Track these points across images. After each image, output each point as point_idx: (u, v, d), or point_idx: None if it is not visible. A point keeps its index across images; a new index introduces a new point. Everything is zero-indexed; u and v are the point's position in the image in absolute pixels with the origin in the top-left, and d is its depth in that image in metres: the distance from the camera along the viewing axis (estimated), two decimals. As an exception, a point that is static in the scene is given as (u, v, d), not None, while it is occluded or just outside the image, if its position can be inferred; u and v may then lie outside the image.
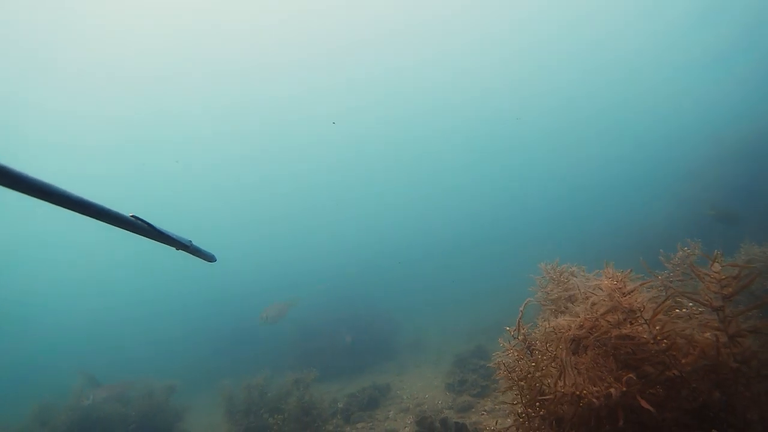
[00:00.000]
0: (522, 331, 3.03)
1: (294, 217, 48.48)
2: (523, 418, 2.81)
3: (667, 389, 2.25)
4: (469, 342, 12.11)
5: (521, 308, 3.23)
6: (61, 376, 12.31)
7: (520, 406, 2.87)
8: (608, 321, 2.32)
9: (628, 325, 2.26)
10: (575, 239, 26.71)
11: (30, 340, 31.04)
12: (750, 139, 15.86)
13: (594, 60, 35.90)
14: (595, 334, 2.35)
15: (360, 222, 50.50)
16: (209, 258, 1.80)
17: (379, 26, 32.68)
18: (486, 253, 35.44)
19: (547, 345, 2.64)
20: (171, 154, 40.40)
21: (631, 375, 2.18)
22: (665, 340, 2.21)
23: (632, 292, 2.31)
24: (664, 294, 2.66)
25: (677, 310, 2.46)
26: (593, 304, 2.44)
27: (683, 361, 2.22)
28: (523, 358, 2.89)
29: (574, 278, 3.07)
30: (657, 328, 2.22)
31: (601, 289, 2.43)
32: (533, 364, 2.77)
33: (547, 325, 2.69)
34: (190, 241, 1.58)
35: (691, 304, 2.47)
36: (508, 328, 3.10)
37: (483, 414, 7.03)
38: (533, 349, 2.93)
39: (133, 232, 1.27)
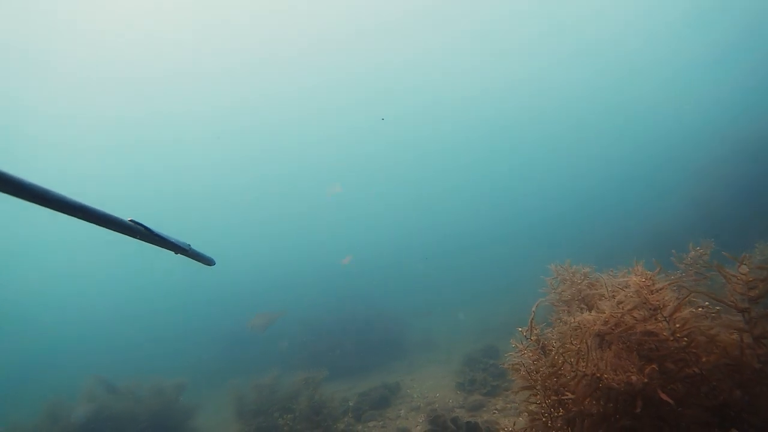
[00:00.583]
0: (535, 332, 3.03)
1: (302, 217, 48.51)
2: (543, 418, 2.82)
3: (687, 386, 2.27)
4: (477, 341, 12.13)
5: (533, 309, 3.20)
6: (67, 375, 12.39)
7: (535, 405, 2.88)
8: (634, 317, 2.35)
9: (653, 322, 2.30)
10: (579, 240, 26.59)
11: (33, 340, 31.20)
12: (755, 138, 15.74)
13: (594, 60, 35.83)
14: (620, 330, 2.38)
15: (366, 222, 50.44)
16: (208, 262, 1.80)
17: (381, 25, 32.63)
18: (488, 254, 35.36)
19: (571, 340, 2.66)
20: (171, 153, 40.57)
21: (654, 366, 2.21)
22: (685, 338, 2.23)
23: (661, 290, 2.34)
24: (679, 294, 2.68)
25: (691, 310, 2.46)
26: (619, 301, 2.47)
27: (704, 359, 2.25)
28: (538, 359, 2.91)
29: (601, 276, 3.07)
30: (677, 325, 2.25)
31: (629, 286, 2.46)
32: (550, 364, 2.79)
33: (572, 320, 2.71)
34: (189, 245, 1.58)
35: (707, 303, 2.49)
36: (520, 329, 3.09)
37: (494, 413, 7.04)
38: (548, 350, 2.94)
39: (132, 236, 1.28)
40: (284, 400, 7.87)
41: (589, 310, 3.14)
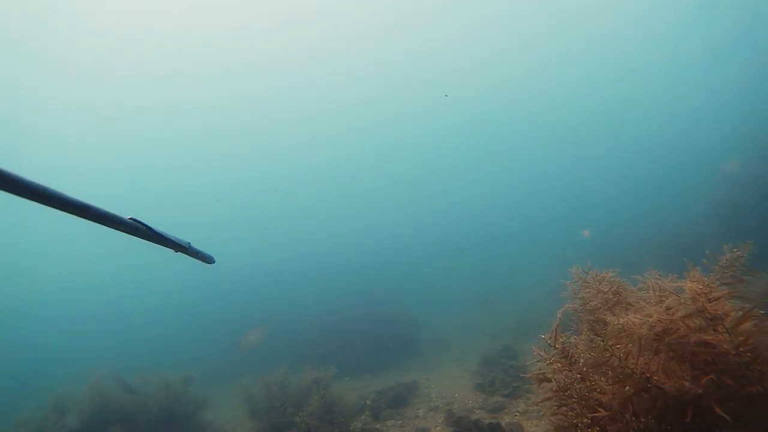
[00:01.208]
0: (560, 340, 2.86)
1: (316, 214, 48.71)
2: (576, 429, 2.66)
3: (746, 405, 2.13)
4: (493, 341, 11.96)
5: (559, 315, 3.05)
6: (72, 370, 12.28)
7: (562, 417, 2.74)
8: (687, 325, 2.23)
9: (711, 332, 2.16)
10: (587, 242, 26.28)
11: (35, 339, 31.29)
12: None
13: (595, 60, 35.51)
14: (670, 337, 2.26)
15: (376, 221, 50.36)
16: (208, 260, 1.79)
17: (381, 24, 32.56)
18: (499, 254, 35.14)
19: (617, 341, 2.52)
20: (170, 153, 40.72)
21: (712, 377, 2.07)
22: (749, 353, 2.08)
23: (719, 298, 2.20)
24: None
25: (755, 323, 2.27)
26: (668, 307, 2.34)
27: (770, 378, 2.11)
28: (565, 369, 2.77)
29: (652, 279, 2.87)
30: (740, 338, 2.09)
31: (684, 291, 2.33)
32: (578, 375, 2.64)
33: (616, 321, 2.56)
34: (189, 243, 1.58)
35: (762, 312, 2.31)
36: (543, 336, 2.92)
37: (516, 415, 6.88)
38: (574, 360, 2.78)
39: (131, 234, 1.28)
40: (295, 397, 7.76)
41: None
